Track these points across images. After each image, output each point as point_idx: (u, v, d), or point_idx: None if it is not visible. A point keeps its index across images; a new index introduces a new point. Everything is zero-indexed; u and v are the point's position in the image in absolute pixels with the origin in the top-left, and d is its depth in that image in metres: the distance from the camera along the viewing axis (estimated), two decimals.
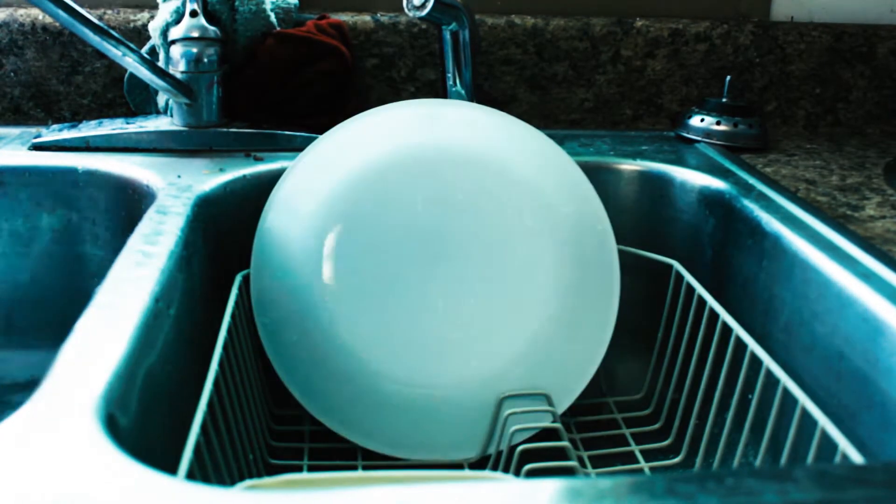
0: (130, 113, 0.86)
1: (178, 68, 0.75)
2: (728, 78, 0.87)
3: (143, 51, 0.80)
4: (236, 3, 0.78)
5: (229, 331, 0.56)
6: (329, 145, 0.67)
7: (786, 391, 0.52)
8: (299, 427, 0.66)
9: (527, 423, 0.62)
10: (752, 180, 0.73)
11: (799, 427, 0.50)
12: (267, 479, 0.39)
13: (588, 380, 0.65)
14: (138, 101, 0.85)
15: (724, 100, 0.87)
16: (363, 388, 0.62)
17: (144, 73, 0.71)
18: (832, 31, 0.93)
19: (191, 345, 0.55)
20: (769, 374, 0.54)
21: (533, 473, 0.59)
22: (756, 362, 0.55)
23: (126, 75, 0.84)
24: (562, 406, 0.64)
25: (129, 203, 0.73)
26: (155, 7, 0.82)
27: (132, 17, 0.85)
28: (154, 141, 0.76)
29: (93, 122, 0.79)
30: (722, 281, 0.71)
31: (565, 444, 0.60)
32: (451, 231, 0.64)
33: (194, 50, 0.75)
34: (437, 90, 0.90)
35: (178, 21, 0.76)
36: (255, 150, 0.76)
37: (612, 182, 0.78)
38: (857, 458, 0.44)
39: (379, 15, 0.88)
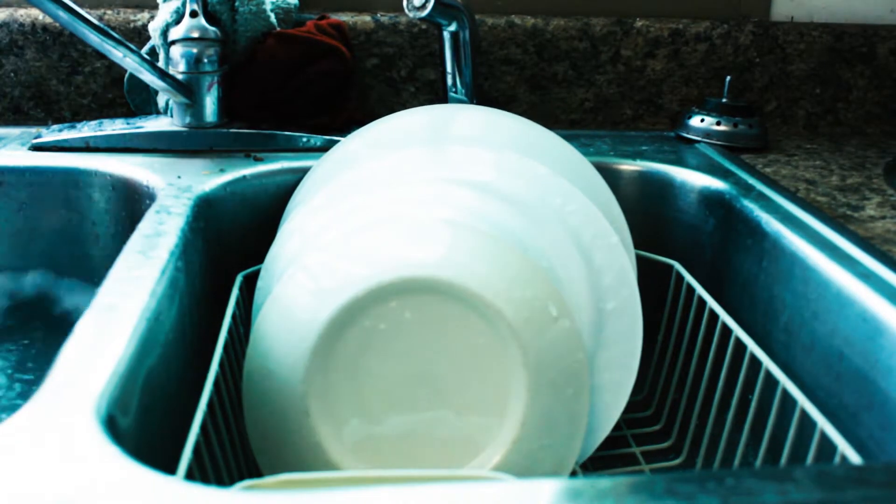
0: (130, 113, 0.86)
1: (179, 69, 0.75)
2: (728, 78, 0.87)
3: (143, 51, 0.80)
4: (236, 4, 0.78)
5: (229, 331, 0.56)
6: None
7: (785, 392, 0.52)
8: None
9: None
10: (751, 180, 0.73)
11: (799, 428, 0.50)
12: (266, 479, 0.39)
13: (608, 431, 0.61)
14: (138, 101, 0.85)
15: (724, 100, 0.87)
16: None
17: (144, 74, 0.71)
18: (832, 31, 0.93)
19: (191, 345, 0.55)
20: (769, 374, 0.54)
21: None
22: (756, 363, 0.55)
23: (126, 76, 0.84)
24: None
25: (130, 203, 0.73)
26: (155, 7, 0.82)
27: (132, 17, 0.85)
28: (154, 141, 0.76)
29: (93, 123, 0.79)
30: (722, 281, 0.71)
31: None
32: None
33: (194, 50, 0.75)
34: (437, 90, 0.90)
35: (178, 21, 0.76)
36: (255, 151, 0.76)
37: (612, 182, 0.77)
38: (855, 458, 0.44)
39: (379, 15, 0.88)
